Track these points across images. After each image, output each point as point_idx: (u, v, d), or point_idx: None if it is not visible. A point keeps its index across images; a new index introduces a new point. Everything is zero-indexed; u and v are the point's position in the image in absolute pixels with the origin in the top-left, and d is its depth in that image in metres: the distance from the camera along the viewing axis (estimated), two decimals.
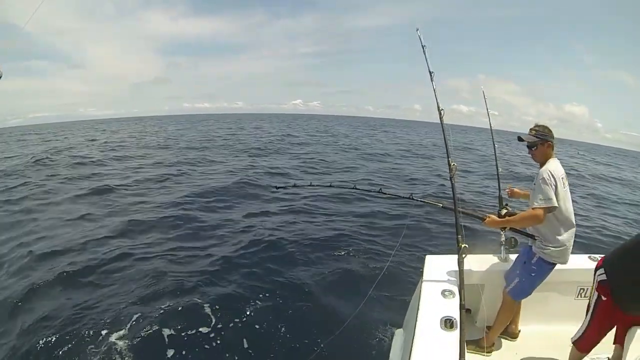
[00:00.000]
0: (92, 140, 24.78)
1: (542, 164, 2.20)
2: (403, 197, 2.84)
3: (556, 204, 2.04)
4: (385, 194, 3.04)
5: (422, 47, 2.35)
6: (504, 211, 2.52)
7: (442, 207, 2.61)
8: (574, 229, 2.19)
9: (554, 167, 2.11)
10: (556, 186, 2.04)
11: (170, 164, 13.28)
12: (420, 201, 2.74)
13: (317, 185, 4.43)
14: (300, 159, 14.91)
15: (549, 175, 2.05)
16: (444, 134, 2.10)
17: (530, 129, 2.24)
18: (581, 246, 4.59)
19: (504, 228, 2.49)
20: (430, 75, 2.25)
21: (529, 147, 2.24)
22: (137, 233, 5.94)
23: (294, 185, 4.38)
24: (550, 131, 2.20)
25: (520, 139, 2.27)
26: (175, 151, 17.35)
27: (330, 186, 3.58)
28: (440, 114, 2.15)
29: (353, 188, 3.22)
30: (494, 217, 2.34)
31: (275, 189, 3.67)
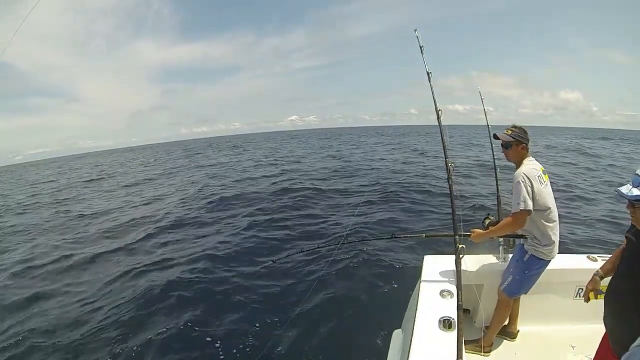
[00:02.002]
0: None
1: (517, 165, 2.24)
2: (386, 238, 2.80)
3: (531, 207, 2.07)
4: (370, 240, 2.99)
5: (420, 47, 2.34)
6: (487, 221, 2.52)
7: (425, 236, 2.64)
8: (557, 223, 2.23)
9: (528, 168, 2.16)
10: (532, 187, 2.08)
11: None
12: (403, 236, 2.74)
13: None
14: None
15: (523, 178, 2.09)
16: (441, 135, 2.10)
17: (507, 129, 2.28)
18: None
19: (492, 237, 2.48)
20: (428, 76, 2.25)
21: (504, 146, 2.28)
22: None
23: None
24: (526, 134, 2.25)
25: (495, 137, 2.31)
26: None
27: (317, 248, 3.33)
28: (438, 114, 2.15)
29: (338, 244, 3.04)
30: (479, 230, 2.35)
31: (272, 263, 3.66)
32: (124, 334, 3.59)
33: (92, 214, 9.90)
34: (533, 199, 2.08)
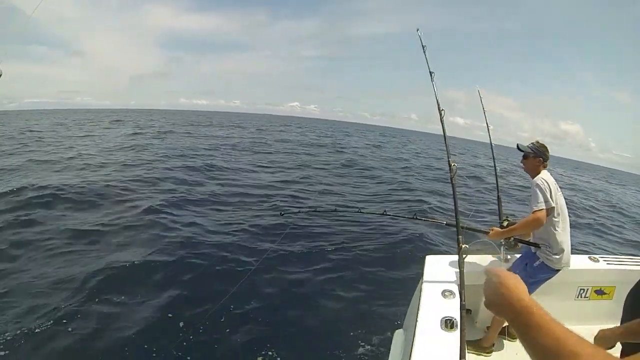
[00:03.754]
0: None
1: (532, 177, 2.36)
2: (408, 217, 2.87)
3: (553, 204, 2.18)
4: (389, 215, 3.00)
5: (423, 47, 2.34)
6: (505, 222, 2.58)
7: (446, 224, 2.65)
8: (569, 232, 2.29)
9: (546, 176, 2.29)
10: (550, 190, 2.19)
11: None
12: (424, 219, 2.79)
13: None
14: None
15: (542, 181, 2.21)
16: (444, 134, 2.10)
17: (530, 143, 2.43)
18: None
19: (509, 238, 2.54)
20: (431, 75, 2.24)
21: (523, 156, 2.43)
22: None
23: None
24: (547, 151, 2.37)
25: (518, 148, 2.46)
26: None
27: (334, 210, 3.36)
28: (440, 114, 2.15)
29: (358, 212, 3.05)
30: (497, 229, 2.43)
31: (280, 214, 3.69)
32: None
33: None
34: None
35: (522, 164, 2.45)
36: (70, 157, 11.80)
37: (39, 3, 2.40)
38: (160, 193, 7.85)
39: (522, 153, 2.43)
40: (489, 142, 3.29)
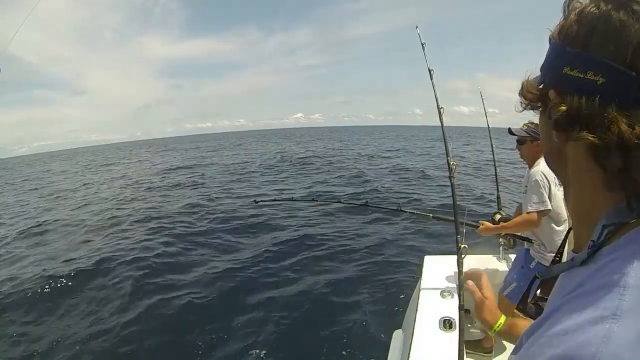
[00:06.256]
0: None
1: (531, 165, 2.14)
2: (391, 209, 2.76)
3: (550, 207, 2.00)
4: (371, 206, 2.87)
5: (422, 44, 2.30)
6: (497, 216, 2.46)
7: (433, 217, 2.53)
8: (567, 228, 2.13)
9: (546, 169, 2.02)
10: (550, 188, 2.00)
11: None
12: (409, 212, 2.64)
13: (298, 200, 4.36)
14: None
15: (541, 177, 1.99)
16: (443, 133, 2.07)
17: (523, 124, 2.14)
18: None
19: (500, 234, 2.43)
20: (430, 73, 2.20)
21: (518, 142, 2.18)
22: None
23: (274, 200, 4.49)
24: None
25: (510, 132, 2.19)
26: None
27: (312, 200, 3.25)
28: (439, 112, 2.11)
29: (337, 202, 3.01)
30: (488, 224, 2.28)
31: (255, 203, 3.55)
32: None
33: None
34: (550, 200, 2.00)
35: (517, 151, 2.20)
36: None
37: (12, 36, 2.29)
38: None
39: (516, 138, 2.16)
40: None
